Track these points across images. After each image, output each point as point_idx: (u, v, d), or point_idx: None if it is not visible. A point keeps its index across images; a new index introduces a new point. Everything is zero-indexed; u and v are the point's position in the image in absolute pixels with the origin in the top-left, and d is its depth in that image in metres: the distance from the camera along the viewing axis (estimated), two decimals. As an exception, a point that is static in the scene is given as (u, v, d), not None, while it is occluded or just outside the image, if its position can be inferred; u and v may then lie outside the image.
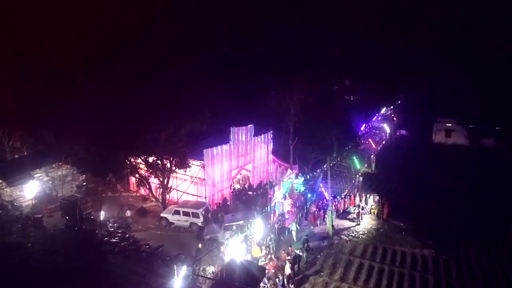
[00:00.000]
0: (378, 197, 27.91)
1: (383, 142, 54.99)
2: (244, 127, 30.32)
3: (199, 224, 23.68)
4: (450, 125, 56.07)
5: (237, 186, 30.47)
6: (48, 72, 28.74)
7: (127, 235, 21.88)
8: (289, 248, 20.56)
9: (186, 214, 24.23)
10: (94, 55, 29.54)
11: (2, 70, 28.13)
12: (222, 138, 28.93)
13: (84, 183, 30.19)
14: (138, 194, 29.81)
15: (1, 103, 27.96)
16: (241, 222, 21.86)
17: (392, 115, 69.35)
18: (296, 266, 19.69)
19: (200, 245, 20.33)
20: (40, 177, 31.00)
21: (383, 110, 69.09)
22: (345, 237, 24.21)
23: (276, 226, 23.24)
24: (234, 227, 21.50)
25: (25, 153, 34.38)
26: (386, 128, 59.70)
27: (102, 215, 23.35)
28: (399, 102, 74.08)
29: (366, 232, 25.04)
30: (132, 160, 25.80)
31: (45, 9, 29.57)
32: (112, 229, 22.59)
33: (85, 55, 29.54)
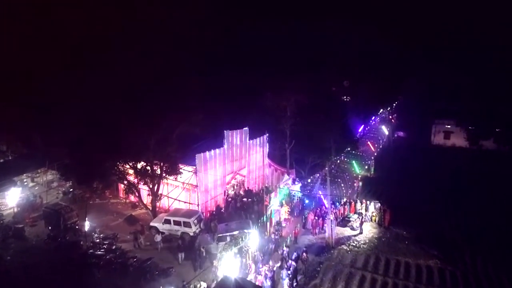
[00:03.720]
0: (379, 204, 26.77)
1: (381, 146, 53.82)
2: (238, 130, 29.01)
3: (191, 234, 22.32)
4: (449, 126, 54.98)
5: (231, 192, 29.17)
6: (36, 74, 27.49)
7: (113, 247, 20.54)
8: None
9: (177, 223, 22.87)
10: (83, 58, 28.42)
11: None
12: (216, 142, 27.55)
13: (71, 190, 28.73)
14: (127, 201, 28.41)
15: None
16: (235, 232, 20.50)
17: (390, 116, 68.35)
18: (294, 280, 18.43)
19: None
20: (25, 183, 29.55)
21: (380, 112, 68.03)
22: (345, 247, 23.01)
23: (272, 236, 21.97)
24: (228, 238, 20.15)
25: (9, 157, 32.86)
26: (384, 130, 58.60)
27: (87, 225, 21.98)
28: (397, 103, 73.18)
29: (367, 241, 23.87)
30: (120, 166, 24.37)
31: (36, 9, 28.40)
32: (97, 240, 21.25)
33: (73, 57, 28.43)
